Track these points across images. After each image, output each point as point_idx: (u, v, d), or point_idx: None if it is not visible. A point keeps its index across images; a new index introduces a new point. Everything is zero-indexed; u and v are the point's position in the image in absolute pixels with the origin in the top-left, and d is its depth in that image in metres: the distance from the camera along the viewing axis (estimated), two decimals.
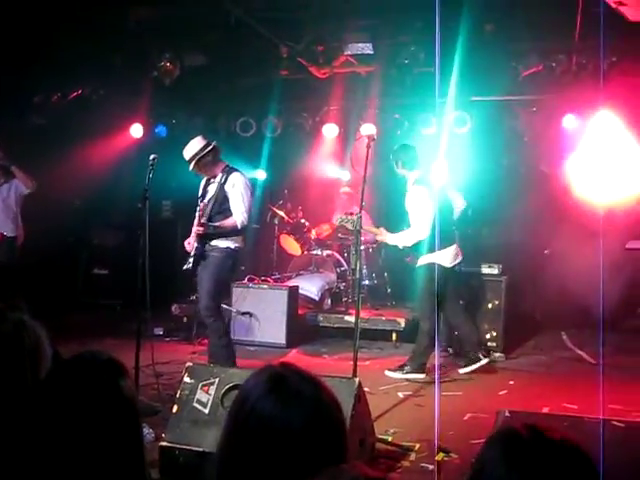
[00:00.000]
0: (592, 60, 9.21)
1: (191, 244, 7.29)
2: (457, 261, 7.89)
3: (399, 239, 7.75)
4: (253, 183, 12.47)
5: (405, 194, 7.80)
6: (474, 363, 7.80)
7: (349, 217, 7.88)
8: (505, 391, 7.20)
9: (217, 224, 7.19)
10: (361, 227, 7.04)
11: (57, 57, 9.99)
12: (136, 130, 11.74)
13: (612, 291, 8.71)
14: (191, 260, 7.28)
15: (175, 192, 11.86)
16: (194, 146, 7.34)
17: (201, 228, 7.13)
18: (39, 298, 9.18)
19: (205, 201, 7.29)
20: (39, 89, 11.06)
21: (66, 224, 11.33)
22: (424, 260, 7.67)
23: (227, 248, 7.25)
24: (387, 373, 7.76)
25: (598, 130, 9.90)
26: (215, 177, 7.37)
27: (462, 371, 7.85)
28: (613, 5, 4.82)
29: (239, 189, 7.25)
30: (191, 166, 7.33)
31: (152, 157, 6.77)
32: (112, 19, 9.19)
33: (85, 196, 11.61)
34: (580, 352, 8.70)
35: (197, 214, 7.37)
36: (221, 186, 7.26)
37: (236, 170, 7.39)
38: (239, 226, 7.22)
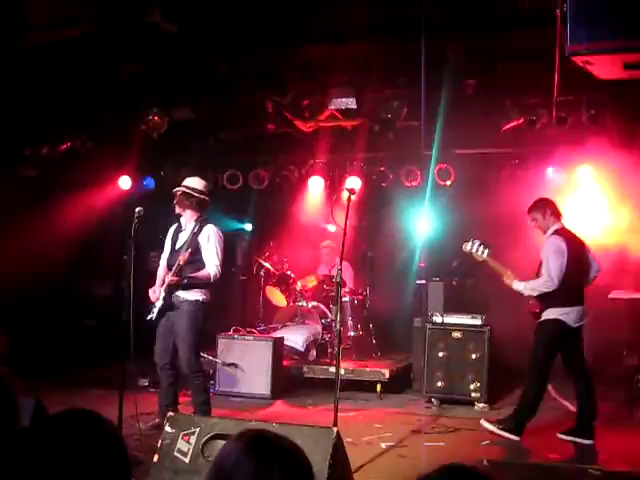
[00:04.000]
0: (572, 114, 9.44)
1: (156, 293, 7.31)
2: (582, 322, 7.40)
3: (525, 287, 7.32)
4: (240, 234, 12.71)
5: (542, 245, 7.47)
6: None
7: (480, 247, 7.49)
8: (488, 441, 7.19)
9: (192, 275, 7.20)
10: (489, 259, 7.30)
11: (47, 109, 10.16)
12: (124, 182, 11.84)
13: (597, 341, 8.80)
14: (155, 310, 7.30)
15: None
16: (196, 183, 7.49)
17: (175, 278, 7.16)
18: (25, 348, 9.29)
19: (178, 249, 7.37)
20: (29, 141, 11.20)
21: (54, 275, 11.37)
22: (549, 315, 7.29)
23: (196, 301, 7.29)
24: (482, 422, 7.38)
25: (580, 183, 10.12)
26: (185, 225, 7.46)
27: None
28: (581, 64, 4.99)
29: (213, 241, 7.32)
30: (178, 194, 7.42)
31: (137, 210, 6.94)
32: (101, 73, 9.39)
33: (73, 247, 11.67)
34: (565, 402, 8.70)
35: (163, 263, 7.53)
36: (194, 236, 7.32)
37: (210, 222, 7.45)
38: (212, 279, 7.26)
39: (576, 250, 7.38)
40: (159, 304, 7.30)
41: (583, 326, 7.42)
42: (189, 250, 7.18)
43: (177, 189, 7.49)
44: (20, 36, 8.27)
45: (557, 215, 7.49)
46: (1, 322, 9.05)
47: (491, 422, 7.35)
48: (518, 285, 7.34)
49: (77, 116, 10.76)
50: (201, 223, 7.39)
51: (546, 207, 7.50)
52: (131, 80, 9.94)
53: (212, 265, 7.25)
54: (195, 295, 7.29)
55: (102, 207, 11.61)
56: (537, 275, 7.39)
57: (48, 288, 11.44)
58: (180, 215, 7.50)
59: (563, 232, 7.43)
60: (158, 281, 7.47)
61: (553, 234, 7.39)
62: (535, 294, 7.31)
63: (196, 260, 7.27)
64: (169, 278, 7.20)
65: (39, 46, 8.40)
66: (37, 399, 3.86)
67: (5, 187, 10.61)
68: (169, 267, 7.38)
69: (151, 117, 10.12)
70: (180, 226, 7.53)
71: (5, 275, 9.46)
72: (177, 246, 7.43)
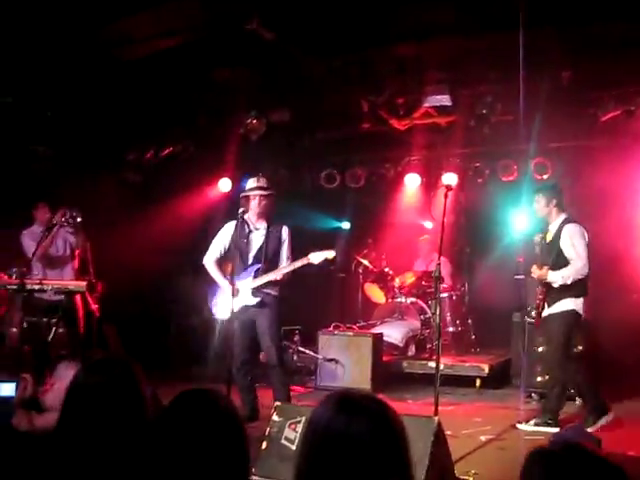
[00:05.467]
0: None
1: (237, 291, 7.37)
2: None
3: (562, 276, 7.24)
4: (338, 232, 12.92)
5: (542, 236, 7.51)
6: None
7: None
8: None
9: (285, 271, 7.47)
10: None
11: (149, 116, 10.57)
12: (224, 185, 12.19)
13: None
14: (236, 308, 7.35)
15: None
16: (266, 183, 7.67)
17: (281, 276, 7.42)
18: (132, 347, 9.69)
19: (260, 248, 7.58)
20: (133, 147, 11.66)
21: (158, 276, 11.78)
22: (565, 305, 7.33)
23: (277, 295, 7.55)
24: (518, 426, 7.40)
25: None
26: (255, 225, 7.62)
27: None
28: None
29: (289, 242, 7.62)
30: (270, 196, 7.60)
31: (241, 210, 7.27)
32: (200, 79, 9.72)
33: (176, 249, 12.05)
34: None
35: (212, 258, 7.73)
36: (273, 236, 7.57)
37: (284, 223, 7.70)
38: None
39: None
40: (245, 301, 7.46)
41: None
42: (288, 257, 7.55)
43: (267, 192, 7.62)
44: (122, 49, 8.67)
45: (561, 207, 7.50)
46: (112, 321, 9.54)
47: (525, 422, 7.43)
48: (553, 275, 7.27)
49: (178, 122, 11.16)
50: (277, 224, 7.65)
51: (554, 196, 7.52)
52: (229, 85, 10.25)
53: (291, 264, 7.50)
54: (277, 291, 7.55)
55: (203, 209, 11.97)
56: (555, 265, 7.29)
57: (152, 288, 11.86)
58: (242, 214, 7.51)
59: (576, 220, 7.45)
60: (224, 278, 7.64)
61: (570, 221, 7.39)
62: (570, 282, 7.23)
63: (276, 260, 7.57)
64: (276, 275, 7.40)
65: (140, 57, 8.80)
66: (152, 389, 4.08)
67: (111, 192, 11.09)
68: (255, 263, 7.55)
69: (250, 120, 10.40)
70: (245, 225, 7.62)
71: (112, 277, 9.87)
72: (255, 245, 7.60)
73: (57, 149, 10.51)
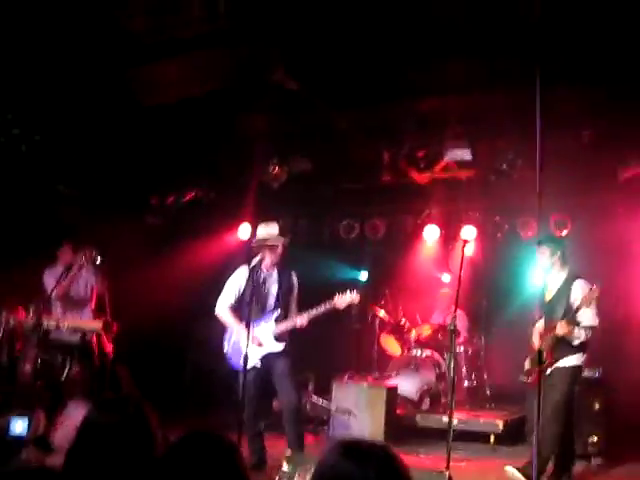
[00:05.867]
0: None
1: (257, 340, 7.46)
2: None
3: (584, 333, 7.11)
4: (355, 283, 12.91)
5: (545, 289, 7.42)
6: None
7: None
8: None
9: (312, 316, 7.50)
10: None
11: (172, 161, 10.70)
12: (244, 231, 12.23)
13: None
14: (260, 357, 7.49)
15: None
16: (276, 229, 7.76)
17: (307, 320, 7.48)
18: (147, 390, 9.66)
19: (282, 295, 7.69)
20: (156, 191, 11.78)
21: (174, 319, 11.79)
22: (571, 361, 7.26)
23: (291, 341, 7.61)
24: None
25: None
26: (266, 270, 7.68)
27: None
28: None
29: (297, 287, 7.79)
30: (274, 244, 7.63)
31: (258, 258, 7.33)
32: (223, 126, 9.85)
33: (194, 293, 12.09)
34: None
35: (227, 304, 7.77)
36: (285, 282, 7.70)
37: (293, 269, 7.85)
38: None
39: None
40: (268, 348, 7.51)
41: None
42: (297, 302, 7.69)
43: (283, 239, 7.77)
44: (146, 94, 8.82)
45: (564, 261, 7.42)
46: (126, 363, 9.54)
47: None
48: (579, 332, 7.08)
49: (200, 168, 11.28)
50: (287, 270, 7.79)
51: (558, 249, 7.47)
52: (251, 132, 10.38)
53: (316, 308, 7.53)
54: (291, 336, 7.62)
55: (222, 255, 12.01)
56: (551, 319, 7.19)
57: (169, 331, 11.86)
58: (258, 262, 7.56)
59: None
60: (240, 325, 7.54)
61: (579, 277, 7.31)
62: (585, 339, 7.13)
63: (290, 304, 7.74)
64: (301, 321, 7.48)
65: (164, 103, 8.94)
66: (163, 431, 4.08)
67: (132, 234, 11.17)
68: (274, 309, 7.64)
69: (271, 168, 10.51)
70: (259, 271, 7.63)
71: (130, 319, 9.90)
72: (271, 291, 7.67)
73: (81, 191, 10.64)
